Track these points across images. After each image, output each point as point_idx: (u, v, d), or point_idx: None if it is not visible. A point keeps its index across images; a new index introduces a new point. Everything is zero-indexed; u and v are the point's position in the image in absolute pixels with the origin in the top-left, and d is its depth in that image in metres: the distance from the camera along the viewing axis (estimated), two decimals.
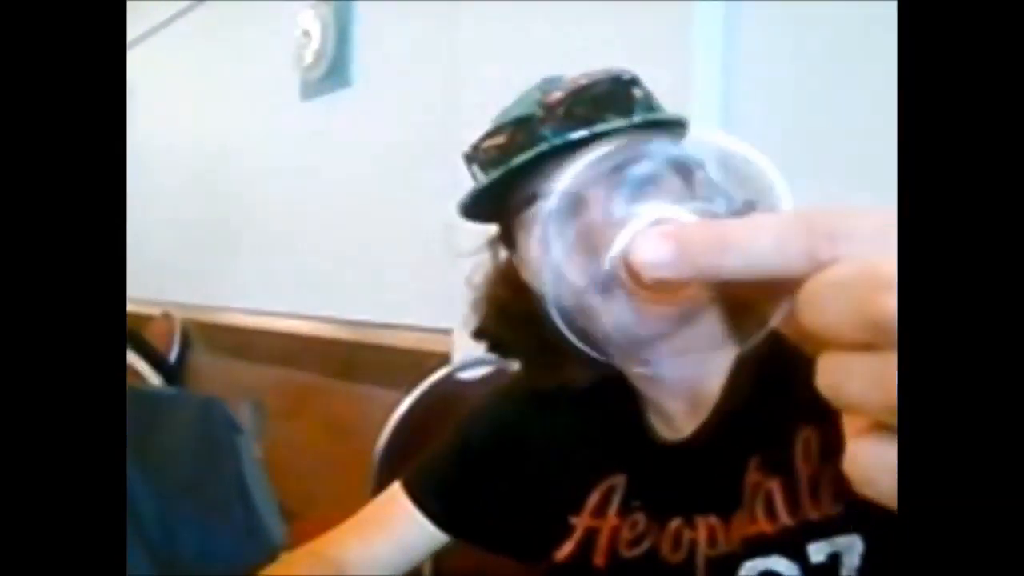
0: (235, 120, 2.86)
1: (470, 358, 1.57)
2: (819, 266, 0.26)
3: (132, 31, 3.53)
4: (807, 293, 0.26)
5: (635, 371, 0.78)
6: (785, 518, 0.70)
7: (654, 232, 0.29)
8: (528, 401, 0.88)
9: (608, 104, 0.72)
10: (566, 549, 0.81)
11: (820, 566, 0.68)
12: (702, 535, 0.75)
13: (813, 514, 0.69)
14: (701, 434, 0.76)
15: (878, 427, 0.25)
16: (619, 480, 0.80)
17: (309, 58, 2.38)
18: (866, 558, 0.67)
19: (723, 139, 0.37)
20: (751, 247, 0.27)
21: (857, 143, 1.22)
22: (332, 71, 2.33)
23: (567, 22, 1.58)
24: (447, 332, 1.81)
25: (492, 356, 1.53)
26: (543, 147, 0.70)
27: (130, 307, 3.49)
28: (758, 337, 0.32)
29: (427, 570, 1.33)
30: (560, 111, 0.72)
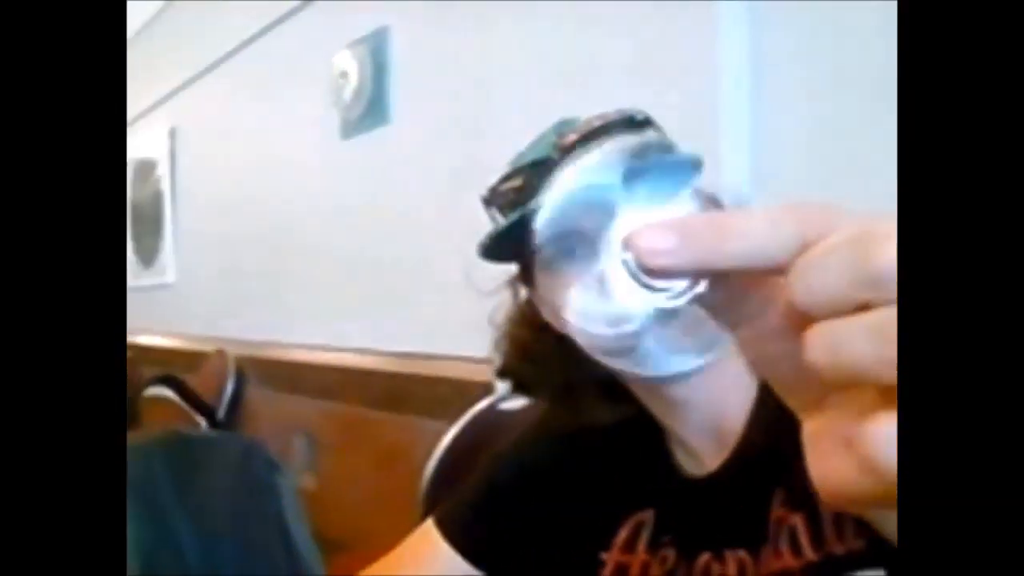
0: (280, 160, 2.92)
1: (508, 392, 1.60)
2: None
3: (175, 79, 3.64)
4: (799, 265, 0.27)
5: (663, 399, 0.79)
6: (810, 553, 0.70)
7: (654, 223, 0.30)
8: (555, 438, 0.90)
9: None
10: None
11: None
12: (732, 570, 0.75)
13: (838, 548, 0.69)
14: (726, 468, 0.77)
15: (887, 401, 0.25)
16: (647, 516, 0.81)
17: (348, 97, 2.44)
18: None
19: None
20: (747, 231, 0.29)
21: (888, 142, 1.22)
22: (371, 110, 2.38)
23: (598, 52, 1.61)
24: (490, 362, 1.83)
25: None
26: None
27: (184, 345, 3.58)
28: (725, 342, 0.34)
29: None
30: (575, 153, 0.74)
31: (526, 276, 0.82)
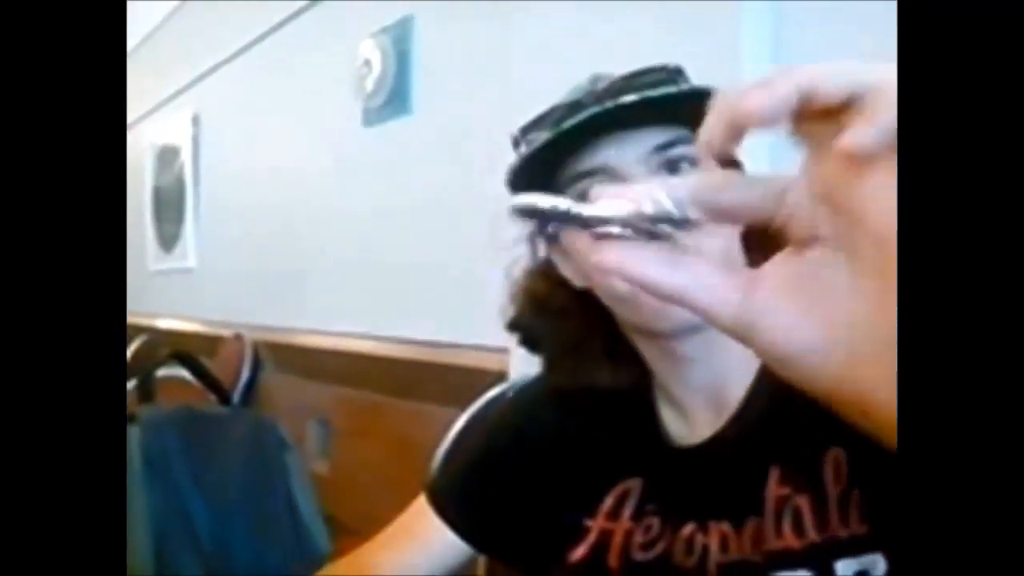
0: (301, 147, 2.94)
1: (526, 376, 1.60)
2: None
3: (199, 66, 3.66)
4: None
5: (669, 355, 0.79)
6: (813, 535, 0.71)
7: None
8: (544, 406, 0.90)
9: (655, 87, 0.74)
10: (580, 551, 0.82)
11: None
12: (714, 541, 0.75)
13: (841, 532, 0.70)
14: (720, 438, 0.77)
15: None
16: (634, 484, 0.81)
17: (370, 87, 2.45)
18: None
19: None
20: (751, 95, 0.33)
21: None
22: (392, 99, 2.40)
23: (620, 47, 1.62)
24: (503, 351, 1.84)
25: None
26: (595, 110, 0.71)
27: (203, 329, 3.61)
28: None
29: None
30: (609, 94, 0.74)
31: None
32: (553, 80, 1.84)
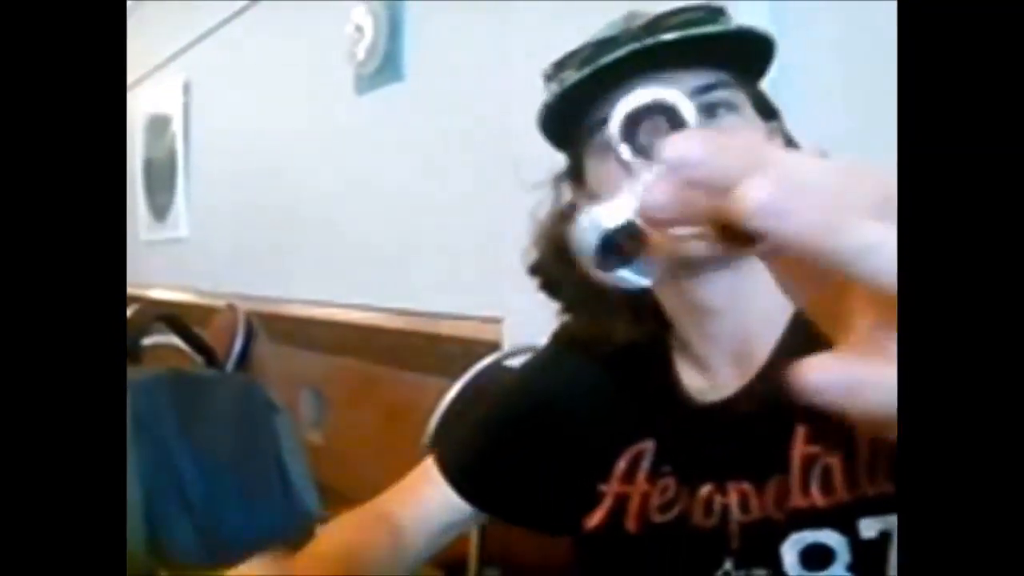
0: (293, 116, 2.92)
1: (518, 345, 1.61)
2: None
3: (189, 33, 3.63)
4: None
5: (695, 307, 0.76)
6: (842, 493, 0.69)
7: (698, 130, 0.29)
8: (555, 371, 0.88)
9: (697, 25, 0.71)
10: (597, 517, 0.81)
11: (870, 541, 0.68)
12: (734, 500, 0.74)
13: (869, 490, 0.68)
14: (744, 396, 0.75)
15: None
16: (648, 446, 0.80)
17: (362, 53, 2.43)
18: None
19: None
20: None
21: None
22: (384, 66, 2.37)
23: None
24: (496, 321, 1.84)
25: (540, 344, 1.57)
26: (635, 46, 0.68)
27: (195, 299, 3.60)
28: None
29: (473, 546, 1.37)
30: (646, 31, 0.71)
31: (575, 168, 0.79)
32: (548, 48, 1.82)
